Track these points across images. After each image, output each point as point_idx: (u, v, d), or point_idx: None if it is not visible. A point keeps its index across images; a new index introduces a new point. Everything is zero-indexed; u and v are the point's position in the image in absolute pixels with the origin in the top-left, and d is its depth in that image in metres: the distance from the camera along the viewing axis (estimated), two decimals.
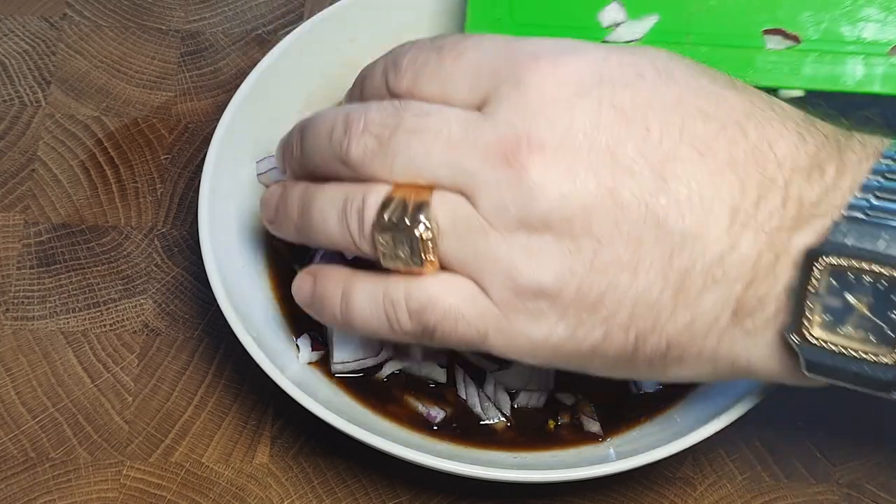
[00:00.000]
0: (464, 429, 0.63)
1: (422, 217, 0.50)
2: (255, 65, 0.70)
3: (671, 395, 0.64)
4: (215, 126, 0.67)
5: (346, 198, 0.53)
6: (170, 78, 0.78)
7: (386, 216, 0.51)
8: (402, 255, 0.51)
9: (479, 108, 0.51)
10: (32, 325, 0.68)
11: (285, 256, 0.68)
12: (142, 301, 0.70)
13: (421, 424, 0.63)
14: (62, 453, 0.65)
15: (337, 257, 0.62)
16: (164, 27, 0.81)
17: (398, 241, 0.51)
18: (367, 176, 0.52)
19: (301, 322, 0.65)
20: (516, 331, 0.51)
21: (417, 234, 0.50)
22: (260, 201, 0.59)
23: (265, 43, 0.79)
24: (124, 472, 0.64)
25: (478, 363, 0.64)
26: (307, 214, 0.55)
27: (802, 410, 0.67)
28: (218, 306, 0.61)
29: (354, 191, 0.52)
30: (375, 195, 0.52)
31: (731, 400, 0.60)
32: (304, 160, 0.56)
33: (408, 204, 0.51)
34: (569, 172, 0.48)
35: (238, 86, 0.69)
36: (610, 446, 0.62)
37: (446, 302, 0.51)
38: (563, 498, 0.64)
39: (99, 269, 0.71)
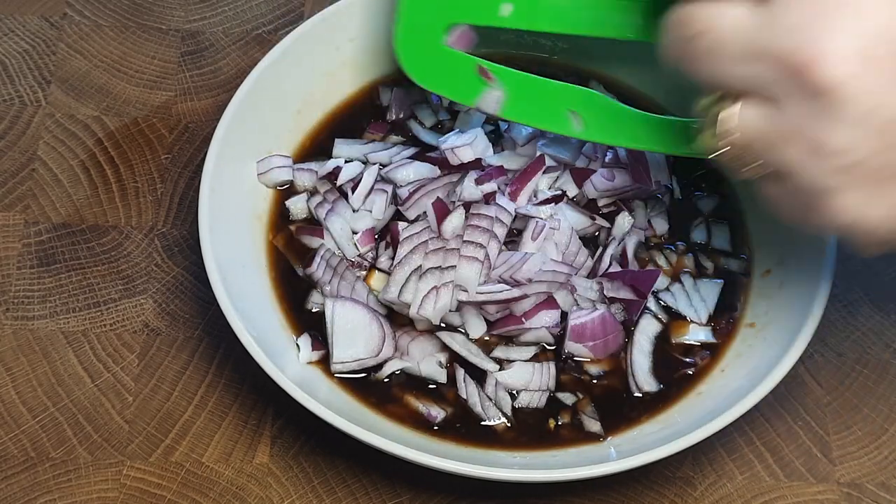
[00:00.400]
0: (464, 428, 0.63)
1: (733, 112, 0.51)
2: (255, 64, 0.70)
3: (671, 395, 0.64)
4: (215, 126, 0.67)
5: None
6: (170, 77, 0.78)
7: (711, 109, 0.52)
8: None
9: None
10: (33, 324, 0.68)
11: (285, 257, 0.68)
12: (142, 301, 0.70)
13: (421, 424, 0.62)
14: (62, 453, 0.65)
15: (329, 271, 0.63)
16: (164, 27, 0.81)
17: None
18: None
19: (301, 322, 0.65)
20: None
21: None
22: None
23: (265, 43, 0.79)
24: (124, 471, 0.64)
25: (478, 363, 0.64)
26: None
27: (802, 410, 0.67)
28: (218, 306, 0.61)
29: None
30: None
31: (731, 400, 0.60)
32: None
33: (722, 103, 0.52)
34: (878, 88, 0.48)
35: (238, 85, 0.69)
36: (610, 446, 0.62)
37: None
38: (563, 497, 0.64)
39: (99, 268, 0.71)
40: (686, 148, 0.64)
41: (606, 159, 0.69)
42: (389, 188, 0.68)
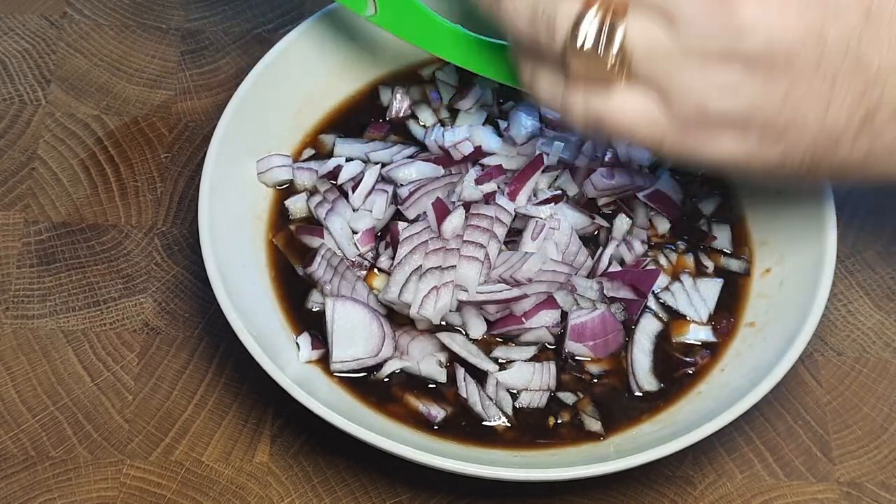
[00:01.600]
0: (464, 428, 0.63)
1: (618, 36, 0.51)
2: (255, 64, 0.70)
3: (671, 395, 0.64)
4: (215, 125, 0.67)
5: (537, 2, 0.53)
6: (170, 76, 0.78)
7: (581, 31, 0.52)
8: (591, 68, 0.52)
9: None
10: (32, 323, 0.68)
11: (285, 256, 0.68)
12: (142, 300, 0.70)
13: (421, 424, 0.62)
14: (62, 452, 0.64)
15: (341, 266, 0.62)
16: (164, 26, 0.81)
17: (589, 54, 0.52)
18: None
19: (301, 321, 0.65)
20: (692, 147, 0.54)
21: (611, 52, 0.51)
22: None
23: (265, 42, 0.79)
24: (124, 470, 0.64)
25: (478, 364, 0.64)
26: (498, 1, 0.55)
27: (802, 410, 0.67)
28: (218, 305, 0.61)
29: None
30: (569, 5, 0.52)
31: (731, 399, 0.60)
32: None
33: (605, 19, 0.51)
34: (779, 12, 0.50)
35: (238, 84, 0.69)
36: (610, 445, 0.62)
37: (625, 118, 0.53)
38: (563, 497, 0.64)
39: (99, 267, 0.71)
40: (498, 72, 0.64)
41: (606, 158, 0.69)
42: (390, 188, 0.68)
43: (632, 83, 0.53)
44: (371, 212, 0.68)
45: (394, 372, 0.64)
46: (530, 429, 0.63)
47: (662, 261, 0.68)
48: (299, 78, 0.72)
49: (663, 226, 0.69)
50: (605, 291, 0.65)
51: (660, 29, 0.51)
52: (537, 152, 0.68)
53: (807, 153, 0.53)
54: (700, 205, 0.70)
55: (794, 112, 0.52)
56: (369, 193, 0.68)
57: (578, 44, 0.52)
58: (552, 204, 0.67)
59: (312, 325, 0.65)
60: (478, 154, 0.69)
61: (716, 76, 0.51)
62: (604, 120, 0.54)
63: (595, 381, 0.65)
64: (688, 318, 0.66)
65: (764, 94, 0.51)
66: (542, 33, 0.53)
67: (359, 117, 0.74)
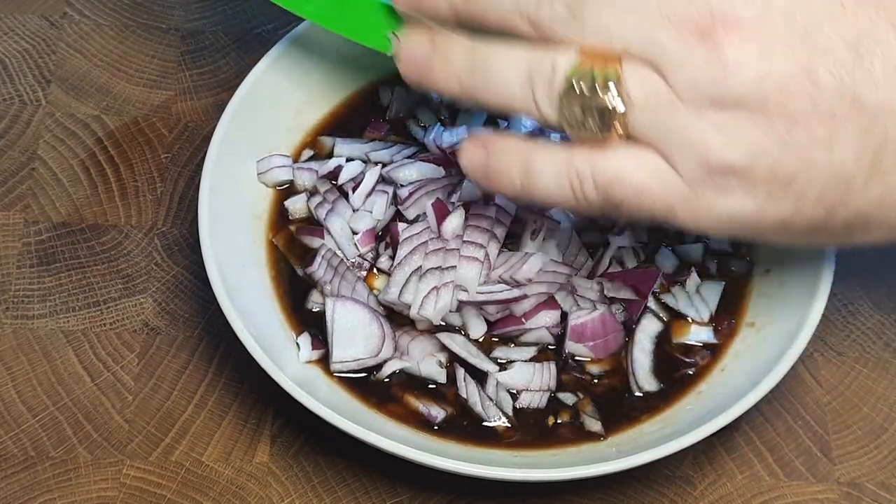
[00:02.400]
0: (465, 428, 0.63)
1: (612, 87, 0.50)
2: (255, 64, 0.70)
3: (671, 395, 0.64)
4: (215, 125, 0.67)
5: (530, 61, 0.52)
6: (170, 77, 0.78)
7: (576, 84, 0.51)
8: (590, 125, 0.51)
9: None
10: (32, 323, 0.68)
11: (285, 256, 0.68)
12: (142, 300, 0.70)
13: (421, 424, 0.62)
14: (62, 452, 0.64)
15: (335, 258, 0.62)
16: (164, 26, 0.81)
17: (587, 109, 0.51)
18: (553, 38, 0.51)
19: (301, 321, 0.65)
20: (704, 206, 0.51)
21: (608, 103, 0.50)
22: (397, 54, 0.57)
23: (265, 42, 0.79)
24: (124, 471, 0.64)
25: (478, 365, 0.64)
26: (481, 74, 0.53)
27: (802, 410, 0.67)
28: (218, 305, 0.61)
29: (541, 55, 0.52)
30: (564, 60, 0.51)
31: (731, 399, 0.60)
32: (471, 6, 0.54)
33: (598, 73, 0.50)
34: (765, 52, 0.49)
35: (238, 85, 0.69)
36: (610, 445, 0.62)
37: (634, 177, 0.51)
38: (563, 497, 0.64)
39: (99, 267, 0.71)
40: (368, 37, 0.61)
41: None
42: (390, 189, 0.68)
43: (636, 140, 0.51)
44: (371, 212, 0.68)
45: (394, 372, 0.64)
46: (530, 429, 0.63)
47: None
48: (299, 78, 0.72)
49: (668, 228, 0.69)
50: (605, 292, 0.65)
51: (652, 78, 0.50)
52: None
53: (819, 202, 0.51)
54: None
55: (798, 157, 0.50)
56: (370, 194, 0.68)
57: (575, 99, 0.51)
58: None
59: (312, 325, 0.65)
60: None
61: (712, 123, 0.50)
62: (614, 186, 0.52)
63: (595, 381, 0.65)
64: (689, 319, 0.66)
65: (763, 139, 0.50)
66: (540, 94, 0.52)
67: (359, 117, 0.74)
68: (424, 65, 0.56)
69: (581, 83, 0.51)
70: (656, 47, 0.50)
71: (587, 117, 0.51)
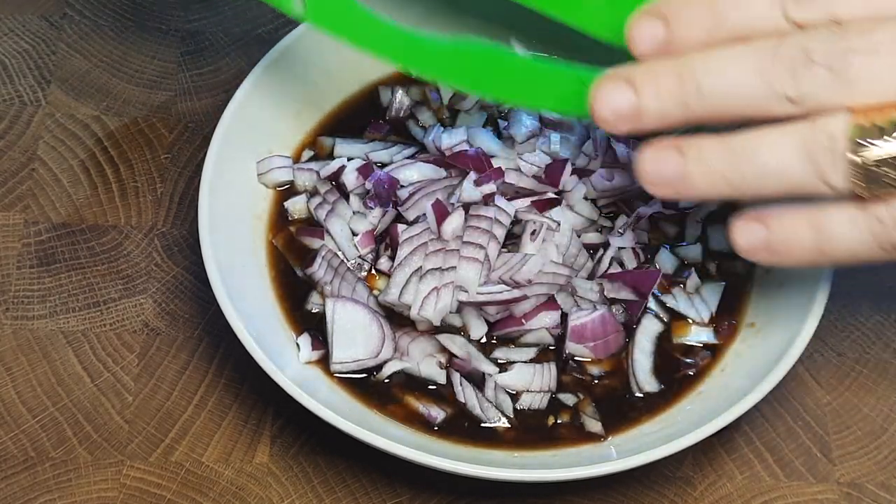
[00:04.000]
0: (465, 429, 0.63)
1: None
2: (255, 64, 0.70)
3: (672, 395, 0.64)
4: (215, 125, 0.67)
5: (801, 138, 0.49)
6: (170, 77, 0.79)
7: (863, 142, 0.48)
8: (891, 179, 0.49)
9: None
10: (32, 324, 0.68)
11: (285, 257, 0.68)
12: (142, 300, 0.70)
13: (421, 424, 0.62)
14: (62, 453, 0.64)
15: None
16: (164, 27, 0.81)
17: (885, 164, 0.48)
18: (817, 108, 0.49)
19: (301, 321, 0.65)
20: None
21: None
22: (640, 178, 0.53)
23: (265, 42, 0.79)
24: (124, 471, 0.64)
25: (478, 366, 0.64)
26: (749, 167, 0.50)
27: (802, 410, 0.67)
28: (218, 306, 0.61)
29: (809, 128, 0.49)
30: (837, 125, 0.49)
31: (731, 400, 0.60)
32: (707, 103, 0.51)
33: (882, 122, 0.48)
34: None
35: (238, 85, 0.69)
36: (610, 446, 0.62)
37: None
38: (563, 497, 0.64)
39: (99, 268, 0.71)
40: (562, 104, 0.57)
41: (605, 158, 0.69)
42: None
43: None
44: (371, 212, 0.68)
45: (394, 373, 0.64)
46: (530, 430, 0.63)
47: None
48: (299, 78, 0.72)
49: (665, 227, 0.69)
50: (605, 293, 0.65)
51: None
52: (537, 152, 0.68)
53: None
54: (700, 206, 0.70)
55: None
56: (368, 195, 0.68)
57: (867, 156, 0.48)
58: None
59: (312, 325, 0.65)
60: (478, 161, 0.68)
61: None
62: None
63: (595, 381, 0.65)
64: (689, 320, 0.66)
65: None
66: (826, 165, 0.49)
67: (359, 117, 0.74)
68: (679, 176, 0.52)
69: (868, 140, 0.49)
70: None
71: (885, 173, 0.49)
